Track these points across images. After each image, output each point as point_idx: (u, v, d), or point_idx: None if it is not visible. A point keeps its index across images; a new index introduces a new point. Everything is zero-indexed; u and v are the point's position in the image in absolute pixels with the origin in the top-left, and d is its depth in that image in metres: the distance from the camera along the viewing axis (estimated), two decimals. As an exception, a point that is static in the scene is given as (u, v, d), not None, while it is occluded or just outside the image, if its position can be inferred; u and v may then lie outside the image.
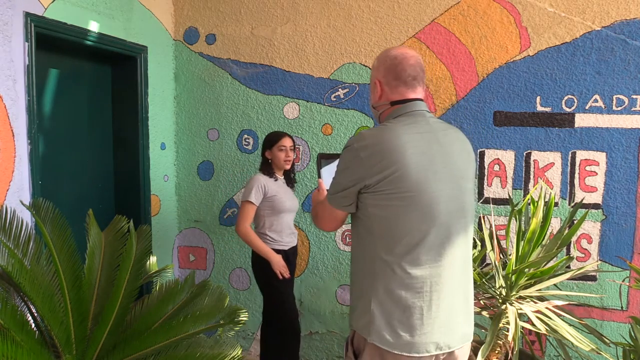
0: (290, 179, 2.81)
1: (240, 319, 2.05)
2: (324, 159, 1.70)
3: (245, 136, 3.15)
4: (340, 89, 2.95)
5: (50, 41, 2.37)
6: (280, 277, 2.62)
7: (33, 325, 1.76)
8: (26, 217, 2.09)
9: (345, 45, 2.93)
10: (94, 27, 2.54)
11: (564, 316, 2.18)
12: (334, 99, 2.97)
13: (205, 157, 3.24)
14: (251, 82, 3.11)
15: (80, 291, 1.85)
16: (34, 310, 1.79)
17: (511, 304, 2.16)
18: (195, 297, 2.12)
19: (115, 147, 2.99)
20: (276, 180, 2.70)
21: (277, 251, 2.66)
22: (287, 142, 2.68)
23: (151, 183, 3.04)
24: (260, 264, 2.67)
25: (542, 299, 2.25)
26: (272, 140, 2.70)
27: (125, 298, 1.87)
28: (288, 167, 2.73)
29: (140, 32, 2.90)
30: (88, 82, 2.82)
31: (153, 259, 2.47)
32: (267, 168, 2.71)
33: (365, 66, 2.90)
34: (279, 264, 2.62)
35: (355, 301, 1.46)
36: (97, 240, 2.06)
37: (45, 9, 2.26)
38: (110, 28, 2.66)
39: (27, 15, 2.15)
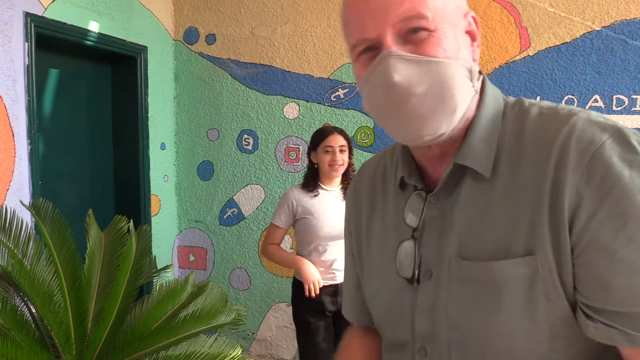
0: (347, 189, 2.18)
1: (240, 319, 2.05)
2: None
3: (245, 136, 3.15)
4: (340, 89, 2.95)
5: (50, 41, 2.37)
6: (307, 294, 2.06)
7: (33, 325, 1.76)
8: (26, 217, 2.09)
9: (345, 45, 2.90)
10: (94, 27, 2.54)
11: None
12: (334, 99, 2.97)
13: (205, 157, 3.24)
14: (251, 82, 3.11)
15: (80, 291, 1.85)
16: (34, 310, 1.79)
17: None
18: (195, 297, 2.12)
19: (115, 147, 2.99)
20: (317, 195, 2.15)
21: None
22: (335, 141, 2.12)
23: (151, 183, 3.04)
24: (296, 301, 2.20)
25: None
26: (317, 138, 2.15)
27: (125, 298, 1.87)
28: (336, 174, 2.14)
29: (140, 32, 2.90)
30: (88, 82, 2.82)
31: (153, 259, 2.47)
32: (309, 177, 2.20)
33: (365, 66, 2.90)
34: (308, 273, 2.06)
35: None
36: (97, 240, 2.06)
37: (45, 9, 2.26)
38: (110, 28, 2.66)
39: (27, 15, 2.15)
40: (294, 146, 3.03)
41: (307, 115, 3.02)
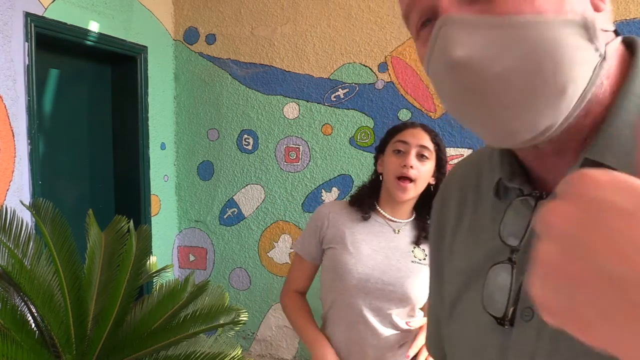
0: (420, 226, 1.38)
1: (240, 319, 2.05)
2: None
3: (245, 136, 3.15)
4: (340, 89, 2.95)
5: (50, 41, 2.37)
6: None
7: (33, 325, 1.76)
8: (26, 217, 2.09)
9: (345, 45, 2.93)
10: (94, 27, 2.54)
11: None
12: (334, 99, 2.97)
13: (205, 157, 3.24)
14: (251, 82, 3.11)
15: (80, 291, 1.85)
16: (34, 310, 1.79)
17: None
18: (195, 297, 2.12)
19: (115, 147, 3.00)
20: (365, 218, 1.37)
21: None
22: (414, 137, 1.32)
23: (151, 183, 3.04)
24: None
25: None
26: (387, 134, 1.41)
27: (125, 298, 1.87)
28: (404, 195, 1.31)
29: (140, 32, 2.90)
30: (88, 82, 2.82)
31: (153, 259, 2.47)
32: (363, 191, 1.43)
33: (366, 66, 2.90)
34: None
35: None
36: (97, 240, 2.06)
37: (45, 9, 2.26)
38: (110, 28, 2.66)
39: (27, 15, 2.15)
40: (294, 146, 3.03)
41: (307, 115, 3.02)
